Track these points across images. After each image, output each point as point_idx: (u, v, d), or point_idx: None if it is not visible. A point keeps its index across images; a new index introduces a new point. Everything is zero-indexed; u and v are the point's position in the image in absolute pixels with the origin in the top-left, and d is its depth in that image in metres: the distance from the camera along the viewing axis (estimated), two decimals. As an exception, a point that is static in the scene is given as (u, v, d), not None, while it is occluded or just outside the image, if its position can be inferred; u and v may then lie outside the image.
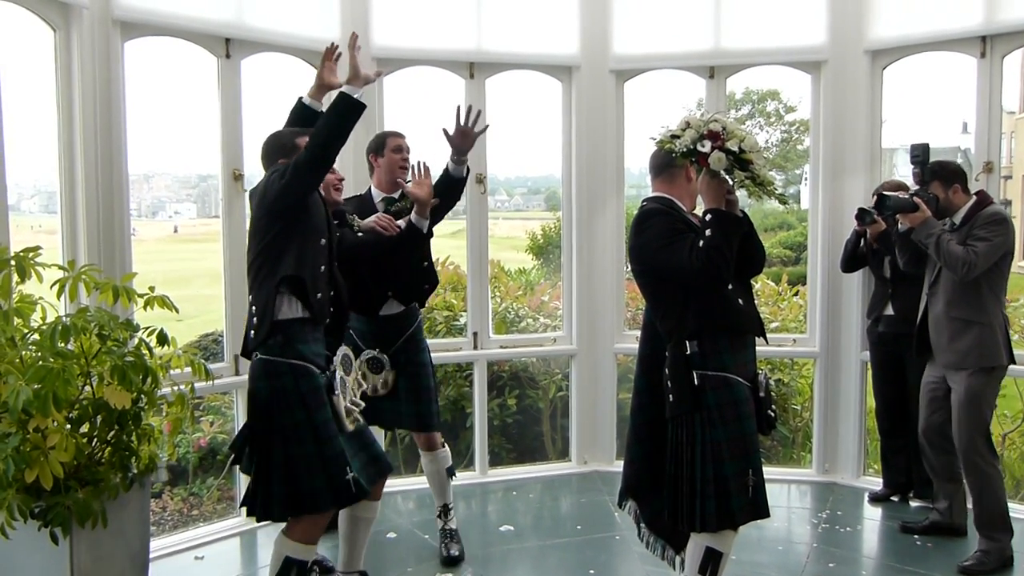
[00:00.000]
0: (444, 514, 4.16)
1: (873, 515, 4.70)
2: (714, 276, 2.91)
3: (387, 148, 3.96)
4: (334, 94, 3.18)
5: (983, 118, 4.62)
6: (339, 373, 3.20)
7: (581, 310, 5.40)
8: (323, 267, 3.12)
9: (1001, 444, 5.83)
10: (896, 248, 4.30)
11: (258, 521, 3.26)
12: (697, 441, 2.97)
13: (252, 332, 3.05)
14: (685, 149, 2.94)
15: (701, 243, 2.90)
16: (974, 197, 3.99)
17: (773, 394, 3.25)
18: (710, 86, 5.22)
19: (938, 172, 4.00)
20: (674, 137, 3.00)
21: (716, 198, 2.96)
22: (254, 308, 3.06)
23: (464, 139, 3.78)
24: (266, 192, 3.05)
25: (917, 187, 4.03)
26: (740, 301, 3.06)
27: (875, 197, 4.04)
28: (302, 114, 3.44)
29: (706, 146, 2.90)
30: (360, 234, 3.65)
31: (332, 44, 3.50)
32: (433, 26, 4.99)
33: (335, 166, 3.22)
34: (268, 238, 3.04)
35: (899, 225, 4.12)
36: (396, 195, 3.97)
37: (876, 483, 4.97)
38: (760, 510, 3.02)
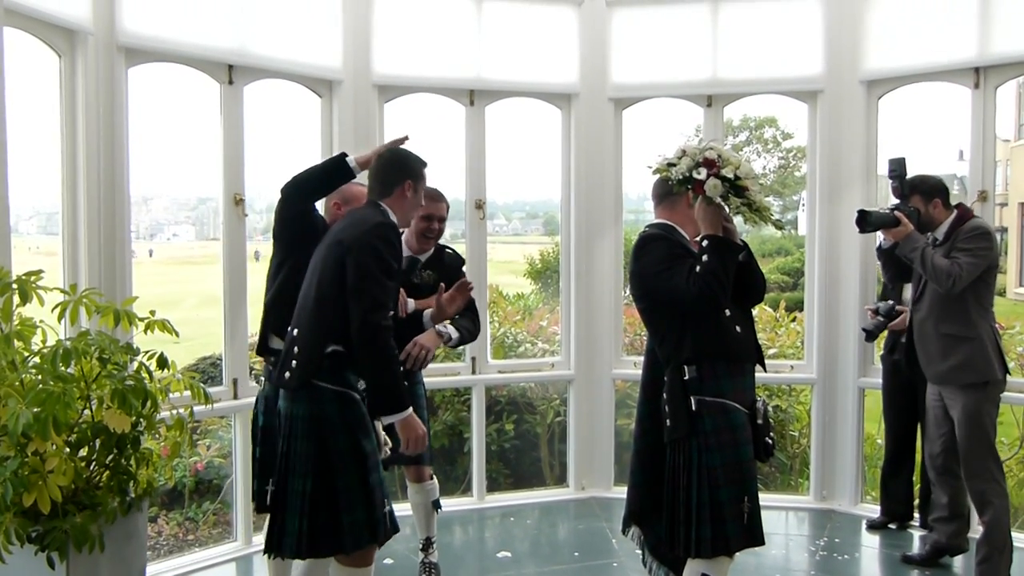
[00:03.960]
0: (426, 547, 4.12)
1: (871, 543, 4.69)
2: (711, 301, 2.93)
3: (418, 212, 3.76)
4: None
5: (977, 147, 4.67)
6: None
7: (579, 335, 5.41)
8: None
9: (999, 472, 5.81)
10: (880, 264, 4.29)
11: (298, 558, 3.04)
12: (693, 466, 2.99)
13: (294, 363, 2.97)
14: (681, 177, 2.98)
15: (698, 268, 2.93)
16: (955, 211, 3.97)
17: (771, 421, 3.25)
18: (708, 114, 5.27)
19: (918, 186, 3.99)
20: (670, 165, 3.03)
21: (713, 225, 2.99)
22: (296, 349, 2.99)
23: (449, 305, 3.60)
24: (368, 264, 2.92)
25: (897, 201, 4.03)
26: (738, 328, 3.07)
27: (857, 214, 4.03)
28: (339, 168, 3.28)
29: (702, 173, 2.94)
30: None
31: (405, 136, 3.36)
32: (434, 54, 5.05)
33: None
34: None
35: (882, 240, 4.12)
36: (422, 257, 3.90)
37: (874, 510, 4.95)
38: (755, 538, 3.02)
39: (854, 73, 5.01)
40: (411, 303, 3.66)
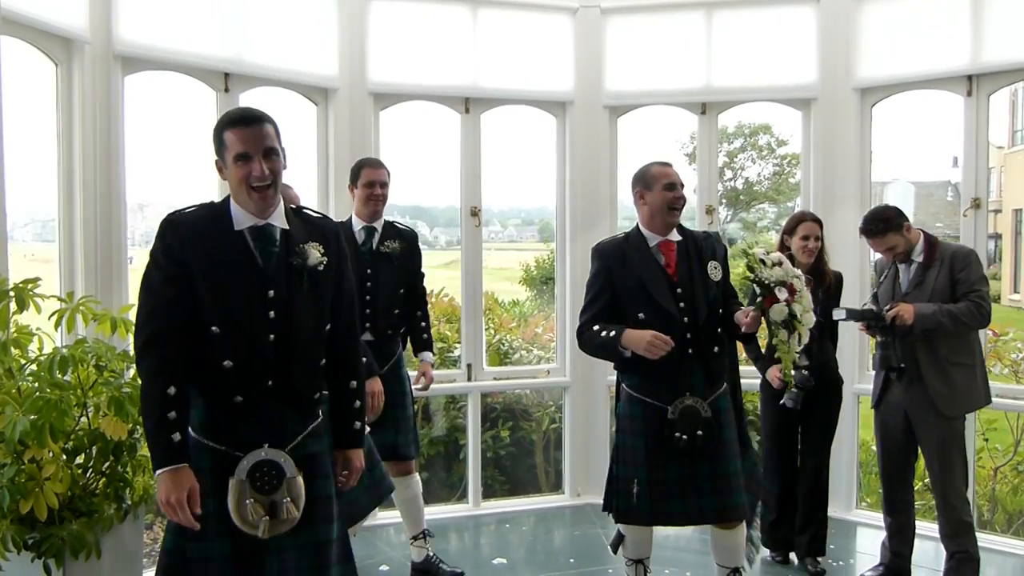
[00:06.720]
0: (425, 538, 4.15)
1: (866, 549, 4.70)
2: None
3: (360, 181, 4.03)
4: None
5: (970, 155, 4.70)
6: None
7: (575, 342, 5.40)
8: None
9: (992, 478, 5.84)
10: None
11: None
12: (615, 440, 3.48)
13: None
14: (767, 282, 3.17)
15: (595, 328, 3.42)
16: (920, 232, 3.87)
17: (691, 421, 3.25)
18: (702, 121, 5.30)
19: (887, 224, 3.79)
20: (761, 262, 3.21)
21: (638, 342, 3.21)
22: None
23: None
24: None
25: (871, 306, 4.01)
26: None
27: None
28: None
29: (782, 293, 3.14)
30: None
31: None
32: (429, 62, 5.07)
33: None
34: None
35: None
36: (376, 224, 4.05)
37: (869, 516, 4.97)
38: (636, 517, 3.32)
39: (848, 81, 5.05)
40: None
